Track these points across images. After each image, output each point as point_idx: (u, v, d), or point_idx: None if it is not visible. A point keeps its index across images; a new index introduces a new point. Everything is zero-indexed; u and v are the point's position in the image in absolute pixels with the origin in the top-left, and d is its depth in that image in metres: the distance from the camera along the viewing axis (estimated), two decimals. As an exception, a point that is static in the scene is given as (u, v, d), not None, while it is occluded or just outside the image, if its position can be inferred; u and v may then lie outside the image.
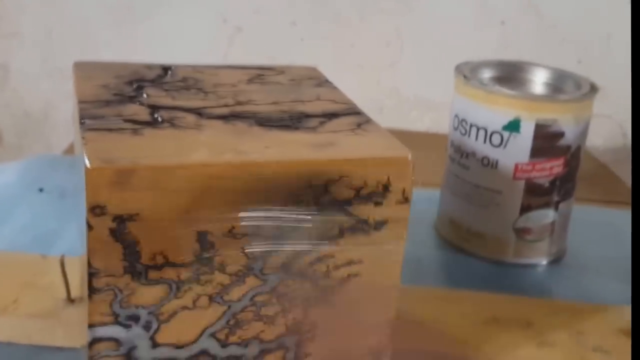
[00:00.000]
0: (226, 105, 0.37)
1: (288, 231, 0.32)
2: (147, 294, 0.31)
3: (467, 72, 0.52)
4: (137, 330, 0.32)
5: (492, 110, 0.50)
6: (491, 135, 0.50)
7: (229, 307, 0.33)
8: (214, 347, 0.33)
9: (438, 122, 1.06)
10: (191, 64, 0.42)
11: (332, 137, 0.34)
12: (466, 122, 0.51)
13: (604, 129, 1.06)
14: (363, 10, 1.06)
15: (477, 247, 0.53)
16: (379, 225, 0.34)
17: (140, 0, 1.10)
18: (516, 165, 0.50)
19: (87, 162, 0.29)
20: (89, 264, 0.30)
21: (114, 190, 0.29)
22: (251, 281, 0.33)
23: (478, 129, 0.51)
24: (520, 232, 0.52)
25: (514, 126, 0.49)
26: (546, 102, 0.50)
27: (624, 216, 0.54)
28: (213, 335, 0.33)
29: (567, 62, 0.57)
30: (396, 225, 0.34)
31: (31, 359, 0.40)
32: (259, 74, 0.42)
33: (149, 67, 0.41)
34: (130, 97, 0.36)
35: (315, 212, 0.32)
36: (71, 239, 0.50)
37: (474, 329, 0.45)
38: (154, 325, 0.32)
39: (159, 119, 0.34)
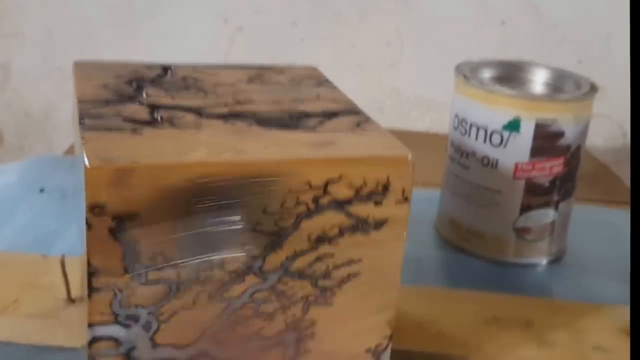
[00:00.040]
0: (226, 105, 0.37)
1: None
2: (147, 294, 0.31)
3: (467, 72, 0.52)
4: (136, 330, 0.32)
5: (492, 110, 0.50)
6: (491, 135, 0.50)
7: (229, 305, 0.33)
8: (214, 346, 0.33)
9: (438, 122, 1.06)
10: (191, 64, 0.42)
11: (331, 136, 0.34)
12: (466, 122, 0.51)
13: (604, 129, 1.06)
14: (363, 10, 1.07)
15: (477, 247, 0.53)
16: (379, 224, 0.34)
17: (140, 0, 1.10)
18: (516, 165, 0.50)
19: (86, 161, 0.29)
20: (89, 264, 0.30)
21: (113, 189, 0.29)
22: (251, 279, 0.33)
23: (478, 129, 0.51)
24: (520, 232, 0.52)
25: (514, 126, 0.49)
26: (546, 101, 0.50)
27: (624, 216, 0.54)
28: (213, 334, 0.33)
29: (567, 62, 0.57)
30: (396, 225, 0.34)
31: (31, 359, 0.40)
32: (259, 74, 0.42)
33: (149, 66, 0.41)
34: (129, 97, 0.36)
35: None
36: (72, 239, 0.50)
37: (474, 329, 0.45)
38: (154, 325, 0.32)
39: (159, 119, 0.34)
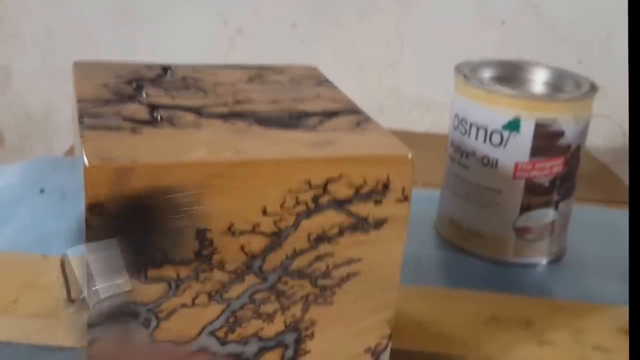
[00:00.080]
0: (225, 105, 0.37)
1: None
2: (146, 292, 0.31)
3: (467, 72, 0.52)
4: (136, 328, 0.32)
5: (492, 110, 0.50)
6: (491, 135, 0.50)
7: (228, 305, 0.33)
8: (213, 345, 0.33)
9: (438, 123, 1.06)
10: (191, 64, 0.42)
11: (331, 135, 0.34)
12: (466, 122, 0.51)
13: (604, 129, 1.06)
14: (363, 10, 1.07)
15: (477, 247, 0.53)
16: (379, 223, 0.34)
17: (141, 2, 1.10)
18: (516, 165, 0.50)
19: (85, 160, 0.29)
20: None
21: (112, 188, 0.29)
22: (250, 279, 0.33)
23: (478, 129, 0.51)
24: (520, 232, 0.52)
25: (513, 125, 0.49)
26: (546, 101, 0.50)
27: (624, 216, 0.54)
28: (212, 333, 0.33)
29: (567, 62, 0.57)
30: (396, 224, 0.34)
31: (31, 359, 0.40)
32: (259, 74, 0.42)
33: (149, 66, 0.41)
34: (129, 97, 0.36)
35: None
36: (72, 240, 0.50)
37: (473, 329, 0.45)
38: (153, 323, 0.32)
39: (158, 118, 0.34)
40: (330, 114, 0.37)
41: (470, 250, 0.54)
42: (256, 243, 0.32)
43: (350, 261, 0.34)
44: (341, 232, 0.33)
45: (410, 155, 0.33)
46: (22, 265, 0.48)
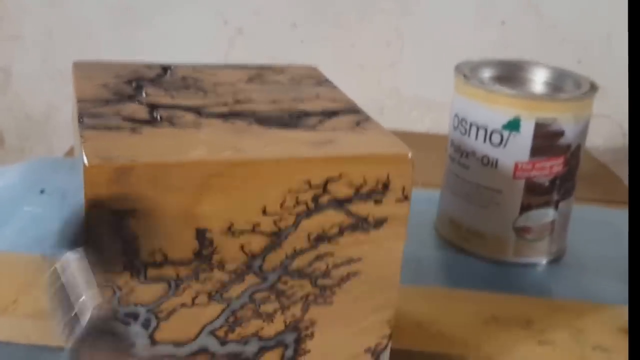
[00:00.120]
0: (225, 104, 0.37)
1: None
2: (146, 292, 0.31)
3: (467, 72, 0.52)
4: (136, 327, 0.32)
5: (492, 110, 0.50)
6: (491, 135, 0.50)
7: (228, 304, 0.33)
8: (213, 344, 0.33)
9: (438, 123, 1.06)
10: (191, 64, 0.42)
11: (331, 135, 0.34)
12: (466, 122, 0.51)
13: (604, 129, 1.06)
14: (363, 11, 1.07)
15: (477, 247, 0.53)
16: (379, 223, 0.34)
17: (141, 3, 1.10)
18: (516, 165, 0.50)
19: (85, 159, 0.29)
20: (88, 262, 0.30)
21: (112, 187, 0.29)
22: (250, 279, 0.33)
23: (478, 128, 0.51)
24: (520, 231, 0.52)
25: (513, 125, 0.49)
26: (546, 101, 0.50)
27: (624, 216, 0.54)
28: (212, 332, 0.33)
29: (567, 62, 0.57)
30: (396, 224, 0.34)
31: (31, 359, 0.40)
32: (259, 74, 0.42)
33: (149, 66, 0.41)
34: (129, 96, 0.36)
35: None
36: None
37: (473, 329, 0.45)
38: (153, 323, 0.32)
39: (158, 118, 0.34)
40: (330, 114, 0.37)
41: (470, 250, 0.54)
42: (256, 243, 0.32)
43: (350, 261, 0.34)
44: (341, 232, 0.33)
45: (410, 155, 0.33)
46: (22, 265, 0.48)
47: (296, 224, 0.32)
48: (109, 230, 0.29)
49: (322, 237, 0.33)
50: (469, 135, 0.51)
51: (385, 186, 0.33)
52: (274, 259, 0.33)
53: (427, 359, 0.42)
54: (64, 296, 0.31)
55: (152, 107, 0.35)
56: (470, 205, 0.53)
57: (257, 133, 0.33)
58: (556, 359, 0.43)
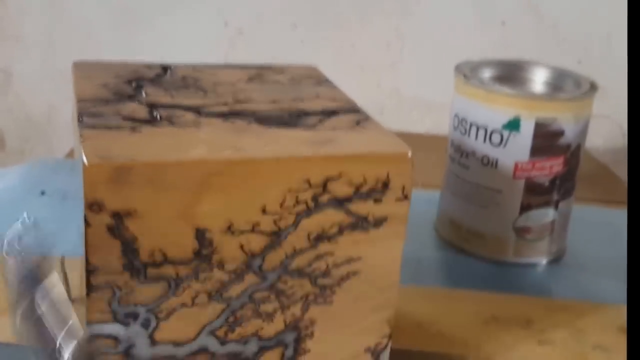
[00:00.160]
0: (225, 104, 0.37)
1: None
2: (146, 292, 0.31)
3: (467, 72, 0.52)
4: (135, 328, 0.32)
5: (492, 109, 0.50)
6: (491, 135, 0.50)
7: (228, 304, 0.33)
8: (213, 344, 0.33)
9: (439, 124, 1.06)
10: (191, 64, 0.42)
11: (331, 134, 0.34)
12: (466, 122, 0.51)
13: (604, 130, 1.06)
14: (363, 11, 1.07)
15: (477, 247, 0.53)
16: (379, 222, 0.34)
17: (141, 4, 1.10)
18: (516, 164, 0.50)
19: (84, 159, 0.29)
20: (87, 261, 0.30)
21: (111, 187, 0.29)
22: (250, 278, 0.33)
23: (478, 128, 0.51)
24: (520, 231, 0.52)
25: (513, 125, 0.49)
26: (546, 100, 0.50)
27: (624, 216, 0.54)
28: (212, 332, 0.33)
29: (567, 62, 0.57)
30: (396, 223, 0.34)
31: None
32: (259, 73, 0.42)
33: (149, 66, 0.41)
34: (129, 96, 0.36)
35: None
36: (72, 241, 0.50)
37: (474, 329, 0.45)
38: (153, 323, 0.32)
39: (158, 117, 0.34)
40: (330, 113, 0.37)
41: (471, 250, 0.54)
42: (256, 242, 0.32)
43: (350, 260, 0.34)
44: (341, 231, 0.33)
45: (410, 153, 0.33)
46: (22, 265, 0.48)
47: (296, 224, 0.32)
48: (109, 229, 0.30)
49: (321, 237, 0.33)
50: (469, 135, 0.51)
51: (385, 185, 0.33)
52: (274, 258, 0.33)
53: (427, 359, 0.42)
54: (42, 330, 0.31)
55: (152, 106, 0.35)
56: (470, 206, 0.53)
57: (257, 132, 0.33)
58: (556, 359, 0.43)
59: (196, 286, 0.32)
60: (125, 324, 0.31)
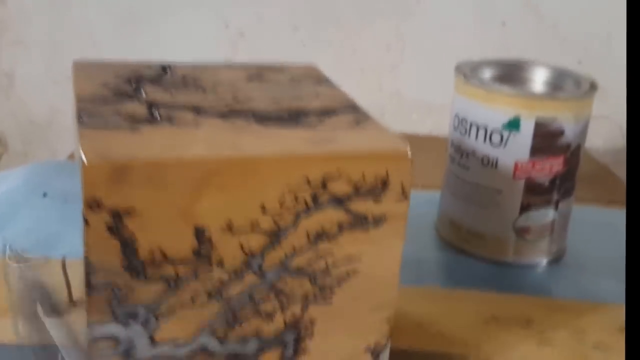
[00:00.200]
0: (224, 103, 0.37)
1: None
2: (146, 291, 0.31)
3: (467, 72, 0.52)
4: (135, 327, 0.32)
5: (492, 109, 0.50)
6: (491, 134, 0.50)
7: (228, 304, 0.33)
8: (213, 344, 0.33)
9: (439, 125, 1.06)
10: (191, 64, 0.42)
11: (330, 133, 0.34)
12: (466, 122, 0.51)
13: (604, 130, 1.06)
14: (364, 14, 1.07)
15: (478, 248, 0.53)
16: (378, 221, 0.34)
17: (143, 7, 1.10)
18: (516, 164, 0.50)
19: (83, 157, 0.29)
20: (87, 261, 0.30)
21: (110, 186, 0.29)
22: (250, 278, 0.33)
23: (478, 128, 0.51)
24: (520, 232, 0.52)
25: (513, 125, 0.49)
26: (546, 100, 0.50)
27: (624, 216, 0.54)
28: (212, 332, 0.33)
29: (567, 63, 0.57)
30: (395, 222, 0.34)
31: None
32: (259, 73, 0.42)
33: (149, 66, 0.41)
34: (128, 95, 0.36)
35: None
36: (74, 243, 0.50)
37: (474, 329, 0.45)
38: (153, 323, 0.32)
39: (157, 116, 0.34)
40: (329, 112, 0.37)
41: (471, 251, 0.54)
42: (255, 241, 0.32)
43: (349, 259, 0.34)
44: (340, 230, 0.33)
45: (409, 152, 0.33)
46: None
47: (295, 223, 0.32)
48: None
49: (321, 236, 0.33)
50: (469, 135, 0.51)
51: (384, 183, 0.33)
52: (274, 257, 0.33)
53: (427, 359, 0.42)
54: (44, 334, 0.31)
55: (152, 105, 0.35)
56: (470, 206, 0.53)
57: (256, 131, 0.33)
58: (556, 359, 0.43)
59: (196, 286, 0.32)
60: (125, 324, 0.31)
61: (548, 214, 0.52)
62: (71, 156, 0.92)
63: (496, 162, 0.50)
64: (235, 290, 0.33)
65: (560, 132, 0.50)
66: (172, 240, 0.31)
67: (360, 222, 0.33)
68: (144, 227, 0.30)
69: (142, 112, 0.34)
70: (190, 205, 0.30)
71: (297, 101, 0.38)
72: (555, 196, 0.51)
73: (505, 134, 0.50)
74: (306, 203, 0.32)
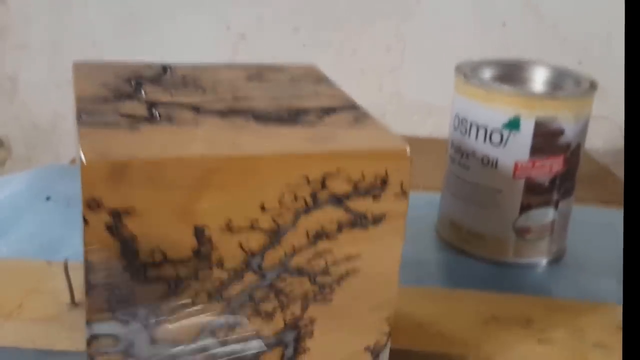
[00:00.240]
0: (224, 102, 0.37)
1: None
2: (145, 291, 0.31)
3: (467, 72, 0.52)
4: (135, 327, 0.32)
5: (492, 109, 0.50)
6: (491, 134, 0.50)
7: (228, 303, 0.33)
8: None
9: (440, 127, 1.06)
10: (191, 64, 0.42)
11: (329, 131, 0.34)
12: (466, 121, 0.51)
13: (604, 131, 1.06)
14: (364, 15, 1.07)
15: (478, 248, 0.53)
16: (378, 219, 0.34)
17: (145, 10, 1.11)
18: (516, 164, 0.50)
19: (82, 156, 0.29)
20: (86, 261, 0.30)
21: (110, 184, 0.29)
22: (249, 277, 0.33)
23: (478, 128, 0.51)
24: (520, 232, 0.52)
25: (513, 124, 0.49)
26: (546, 99, 0.50)
27: (624, 216, 0.54)
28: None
29: (567, 63, 0.57)
30: (395, 220, 0.34)
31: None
32: (258, 73, 0.42)
33: (149, 66, 0.41)
34: (128, 95, 0.36)
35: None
36: (76, 246, 0.50)
37: (474, 329, 0.45)
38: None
39: (157, 115, 0.34)
40: (329, 110, 0.37)
41: (471, 251, 0.54)
42: (255, 240, 0.32)
43: (349, 258, 0.34)
44: (340, 229, 0.33)
45: (408, 150, 0.33)
46: (27, 271, 0.48)
47: (295, 222, 0.32)
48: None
49: (320, 234, 0.33)
50: (469, 135, 0.51)
51: (384, 182, 0.33)
52: (273, 256, 0.33)
53: (427, 359, 0.42)
54: None
55: (151, 104, 0.35)
56: (470, 206, 0.53)
57: (256, 129, 0.34)
58: (556, 358, 0.43)
59: (196, 285, 0.32)
60: (125, 323, 0.31)
61: (548, 214, 0.52)
62: (74, 160, 0.92)
63: (496, 162, 0.51)
64: (235, 290, 0.33)
65: (560, 132, 0.50)
66: (172, 240, 0.31)
67: (359, 221, 0.33)
68: (143, 226, 0.30)
69: (142, 112, 0.34)
70: (189, 204, 0.30)
71: (297, 100, 0.38)
72: (555, 196, 0.52)
73: (505, 133, 0.50)
74: (306, 202, 0.32)
